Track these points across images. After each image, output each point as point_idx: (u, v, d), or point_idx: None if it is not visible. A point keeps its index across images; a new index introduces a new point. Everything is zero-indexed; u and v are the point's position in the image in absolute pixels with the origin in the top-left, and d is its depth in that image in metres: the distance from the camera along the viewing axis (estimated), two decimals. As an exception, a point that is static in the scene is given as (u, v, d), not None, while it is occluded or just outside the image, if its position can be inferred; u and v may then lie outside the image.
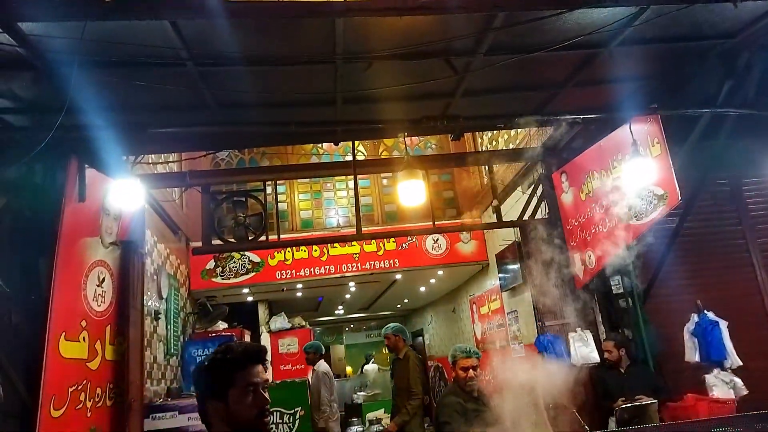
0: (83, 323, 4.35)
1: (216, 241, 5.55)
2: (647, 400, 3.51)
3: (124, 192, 4.43)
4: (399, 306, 14.16)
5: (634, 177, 4.44)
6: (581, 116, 4.43)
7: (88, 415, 4.34)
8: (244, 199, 5.66)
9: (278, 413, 5.59)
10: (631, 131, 4.31)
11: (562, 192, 5.76)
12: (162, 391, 5.96)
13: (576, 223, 5.59)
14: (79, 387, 4.24)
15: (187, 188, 5.97)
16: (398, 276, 9.28)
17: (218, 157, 9.17)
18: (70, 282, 4.27)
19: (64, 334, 4.09)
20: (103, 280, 4.70)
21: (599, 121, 4.69)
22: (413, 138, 7.81)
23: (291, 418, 5.61)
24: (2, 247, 4.20)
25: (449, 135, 5.72)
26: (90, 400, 4.36)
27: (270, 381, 7.60)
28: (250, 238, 5.59)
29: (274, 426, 5.50)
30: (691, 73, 4.34)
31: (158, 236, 6.40)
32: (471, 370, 3.97)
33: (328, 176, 8.72)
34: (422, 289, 11.11)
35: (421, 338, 14.80)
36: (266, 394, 1.67)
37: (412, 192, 4.57)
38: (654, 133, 4.36)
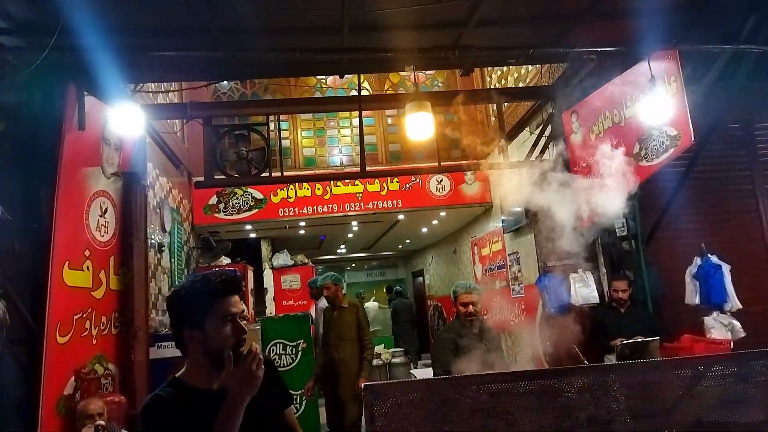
0: (86, 252, 4.35)
1: (219, 176, 5.49)
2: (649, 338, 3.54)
3: (125, 120, 4.32)
4: (400, 247, 14.24)
5: (647, 116, 4.32)
6: (598, 49, 4.25)
7: (94, 342, 4.41)
8: (246, 133, 5.56)
9: (281, 345, 5.68)
10: (649, 66, 4.15)
11: (572, 132, 5.64)
12: (167, 323, 6.05)
13: (584, 164, 5.50)
14: (84, 315, 4.28)
15: (188, 120, 5.85)
16: (401, 216, 9.26)
17: (219, 91, 8.98)
18: (72, 211, 4.24)
19: (67, 262, 4.09)
20: (106, 210, 4.67)
21: (615, 57, 4.53)
22: (419, 75, 7.60)
23: (293, 349, 5.70)
24: (2, 175, 4.16)
25: (458, 71, 5.53)
26: (95, 328, 4.42)
27: (273, 314, 7.70)
28: (252, 173, 5.53)
29: (276, 357, 5.61)
30: (714, 6, 4.14)
31: (160, 169, 6.33)
32: (471, 306, 3.96)
33: (332, 111, 8.53)
34: (424, 230, 11.13)
35: (421, 278, 14.98)
36: (242, 324, 1.73)
37: (420, 125, 4.43)
38: (671, 70, 4.20)
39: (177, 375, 1.72)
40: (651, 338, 3.52)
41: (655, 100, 4.16)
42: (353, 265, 17.25)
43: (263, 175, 5.52)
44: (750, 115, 6.23)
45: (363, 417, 2.04)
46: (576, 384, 2.17)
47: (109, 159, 4.75)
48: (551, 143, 5.99)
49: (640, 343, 3.39)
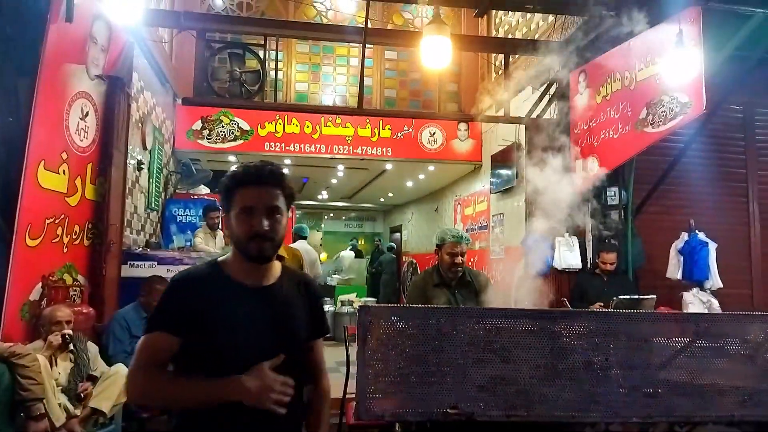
0: (64, 155, 4.11)
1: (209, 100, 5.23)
2: (645, 297, 3.52)
3: (116, 15, 4.02)
4: (382, 200, 14.11)
5: (662, 79, 4.19)
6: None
7: (65, 250, 4.21)
8: (241, 52, 5.28)
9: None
10: (679, 21, 3.99)
11: (577, 93, 5.50)
12: (141, 242, 5.86)
13: (585, 127, 5.39)
14: (57, 221, 4.08)
15: (180, 30, 5.52)
16: (389, 166, 9.09)
17: (213, 10, 8.53)
18: (52, 109, 3.98)
19: (43, 162, 3.86)
20: (87, 114, 4.41)
21: (633, 14, 4.35)
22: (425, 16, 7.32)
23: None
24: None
25: (472, 12, 5.28)
26: (67, 236, 4.23)
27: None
28: (245, 97, 5.28)
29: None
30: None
31: (145, 83, 6.01)
32: (459, 257, 3.59)
33: (334, 40, 8.13)
34: (409, 184, 10.99)
35: (398, 234, 14.94)
36: (264, 220, 1.58)
37: (437, 51, 4.09)
38: (693, 33, 4.06)
39: (219, 259, 1.70)
40: (647, 296, 3.50)
41: (675, 62, 4.02)
42: (332, 214, 17.10)
43: (256, 99, 5.27)
44: (752, 99, 6.19)
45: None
46: (576, 328, 2.10)
47: (95, 59, 4.46)
48: (553, 103, 5.84)
49: (635, 299, 3.37)
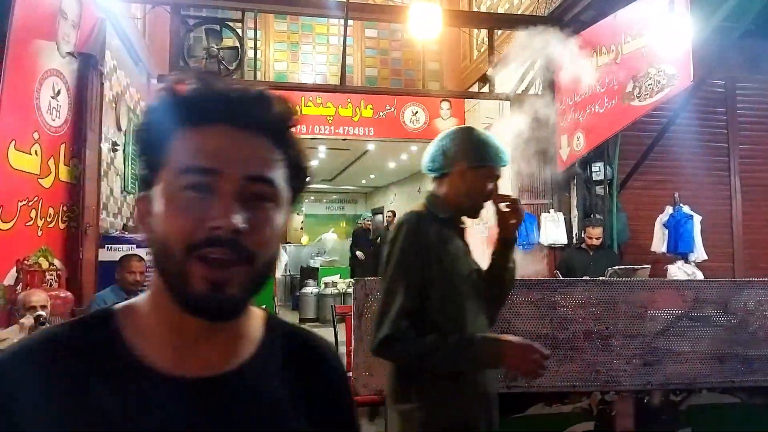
0: (35, 135, 3.94)
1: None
2: (640, 267, 3.52)
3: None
4: (364, 182, 14.00)
5: (649, 51, 4.15)
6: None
7: (39, 234, 4.06)
8: (218, 28, 5.11)
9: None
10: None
11: (562, 68, 5.45)
12: (118, 226, 5.70)
13: (571, 102, 5.35)
14: (30, 203, 3.92)
15: (154, 6, 5.31)
16: (371, 146, 8.99)
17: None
18: (22, 86, 3.80)
19: (14, 142, 3.69)
20: (59, 92, 4.22)
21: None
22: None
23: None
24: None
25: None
26: (42, 219, 4.07)
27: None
28: (223, 75, 5.12)
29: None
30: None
31: (118, 62, 5.80)
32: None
33: (315, 15, 7.91)
34: (392, 164, 10.91)
35: (381, 216, 14.88)
36: (236, 211, 0.71)
37: (426, 20, 3.97)
38: (680, 3, 4.02)
39: (116, 307, 0.74)
40: (642, 266, 3.50)
41: (662, 33, 3.98)
42: (312, 197, 16.95)
43: (234, 77, 5.12)
44: (734, 74, 6.22)
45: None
46: (576, 298, 2.07)
47: (65, 36, 4.26)
48: (538, 79, 5.79)
49: (630, 269, 3.37)
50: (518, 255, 4.90)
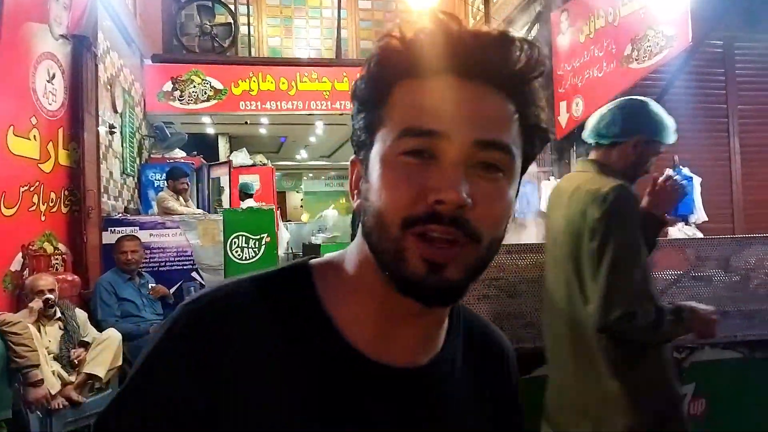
0: (33, 120, 3.93)
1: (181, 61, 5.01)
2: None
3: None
4: (361, 157, 13.92)
5: (648, 11, 4.12)
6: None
7: (43, 219, 4.07)
8: (210, 4, 5.05)
9: (243, 238, 5.43)
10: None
11: (559, 33, 5.41)
12: (119, 209, 5.71)
13: (569, 68, 5.32)
14: (32, 188, 3.93)
15: (146, -16, 5.24)
16: (368, 120, 8.93)
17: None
18: (17, 70, 3.78)
19: (12, 127, 3.68)
20: (54, 76, 4.19)
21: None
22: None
23: (256, 243, 5.49)
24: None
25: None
26: (44, 204, 4.08)
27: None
28: (217, 52, 5.08)
29: (239, 249, 5.40)
30: None
31: (111, 43, 5.74)
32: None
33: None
34: (389, 138, 10.87)
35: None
36: (459, 181, 0.56)
37: None
38: (678, -38, 3.97)
39: (316, 270, 0.67)
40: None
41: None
42: (311, 174, 16.92)
43: (228, 55, 5.08)
44: (732, 33, 6.16)
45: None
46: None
47: (58, 17, 4.22)
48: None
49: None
50: (518, 224, 4.89)
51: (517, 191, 0.59)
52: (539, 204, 5.59)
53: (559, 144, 5.69)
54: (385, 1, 8.75)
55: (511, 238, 5.68)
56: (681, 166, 5.22)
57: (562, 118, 5.48)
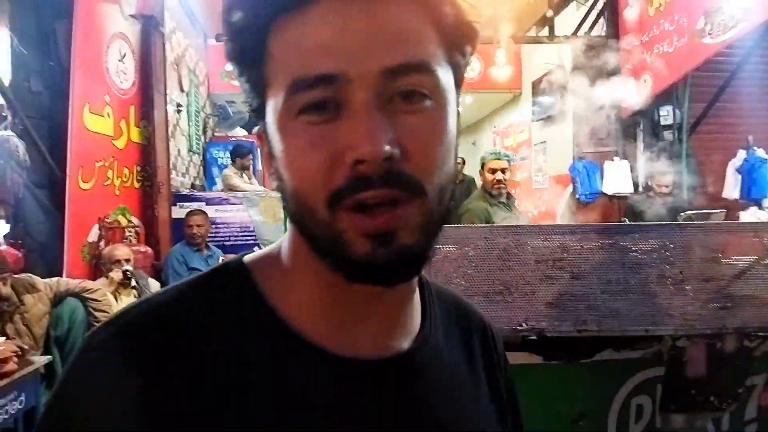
0: (107, 98, 4.12)
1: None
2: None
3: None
4: (416, 136, 13.88)
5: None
6: None
7: (117, 193, 4.30)
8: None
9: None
10: None
11: (627, 6, 5.18)
12: (186, 185, 5.94)
13: (637, 43, 5.10)
14: (107, 164, 4.14)
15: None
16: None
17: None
18: (91, 51, 3.96)
19: (87, 105, 3.88)
20: (125, 55, 4.37)
21: None
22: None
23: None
24: (15, 8, 3.83)
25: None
26: (118, 179, 4.30)
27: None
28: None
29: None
30: None
31: (177, 23, 5.92)
32: (499, 173, 3.64)
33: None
34: (445, 117, 10.75)
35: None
36: (377, 126, 0.43)
37: None
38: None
39: (253, 267, 0.56)
40: (717, 210, 3.39)
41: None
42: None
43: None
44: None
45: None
46: (649, 242, 2.04)
47: (128, -2, 4.39)
48: (601, 18, 5.52)
49: (704, 213, 3.27)
50: (581, 205, 4.80)
51: (458, 113, 0.48)
52: (601, 185, 5.45)
53: (625, 123, 5.49)
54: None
55: (572, 220, 5.57)
56: (755, 148, 4.96)
57: (629, 96, 5.27)
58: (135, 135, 4.52)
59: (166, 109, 4.86)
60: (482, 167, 3.79)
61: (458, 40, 0.47)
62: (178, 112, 5.77)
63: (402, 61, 0.42)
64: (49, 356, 2.78)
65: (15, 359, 2.34)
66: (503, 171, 3.67)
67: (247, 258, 0.53)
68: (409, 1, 0.43)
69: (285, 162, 0.45)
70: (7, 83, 3.67)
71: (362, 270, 0.44)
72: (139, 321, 0.47)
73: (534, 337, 1.96)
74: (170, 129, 5.30)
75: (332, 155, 0.42)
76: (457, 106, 0.48)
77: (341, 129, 0.42)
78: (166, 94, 4.91)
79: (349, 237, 0.43)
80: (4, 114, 3.72)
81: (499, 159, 3.70)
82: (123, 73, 4.34)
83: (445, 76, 0.45)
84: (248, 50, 0.46)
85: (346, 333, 0.50)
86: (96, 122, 3.97)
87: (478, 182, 4.49)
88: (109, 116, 4.13)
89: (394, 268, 0.44)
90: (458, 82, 0.49)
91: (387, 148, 0.41)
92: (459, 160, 7.98)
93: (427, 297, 0.58)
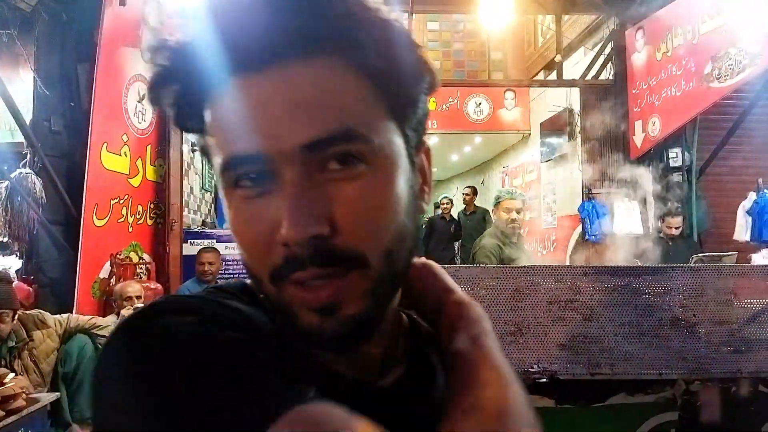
0: (124, 137, 4.22)
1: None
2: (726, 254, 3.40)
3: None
4: (425, 176, 13.99)
5: (730, 29, 3.97)
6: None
7: (130, 230, 4.35)
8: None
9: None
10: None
11: (635, 51, 5.28)
12: (198, 222, 6.00)
13: (645, 87, 5.18)
14: (121, 201, 4.21)
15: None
16: (434, 139, 8.98)
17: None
18: (111, 92, 4.08)
19: (105, 144, 3.97)
20: (143, 96, 4.48)
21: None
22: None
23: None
24: (40, 51, 3.99)
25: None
26: (132, 216, 4.36)
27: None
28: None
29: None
30: None
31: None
32: (514, 212, 3.64)
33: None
34: (455, 157, 10.87)
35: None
36: (298, 205, 0.42)
37: (497, 5, 3.81)
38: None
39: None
40: (728, 253, 3.38)
41: (743, 9, 3.80)
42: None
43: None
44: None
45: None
46: (662, 285, 2.03)
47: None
48: (608, 63, 5.63)
49: (716, 256, 3.26)
50: (589, 246, 4.79)
51: (413, 163, 0.48)
52: (611, 225, 5.44)
53: (632, 166, 5.52)
54: (453, 21, 8.82)
55: (581, 258, 5.54)
56: (766, 190, 4.95)
57: (637, 138, 5.34)
58: (150, 173, 4.60)
59: (181, 149, 4.96)
60: (496, 206, 3.79)
61: (403, 89, 0.45)
62: (193, 151, 5.88)
63: (323, 134, 0.40)
64: (57, 393, 2.77)
65: (24, 396, 2.34)
66: (518, 211, 3.68)
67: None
68: (334, 63, 0.41)
69: (232, 230, 0.45)
70: (28, 122, 3.79)
71: (315, 339, 0.43)
72: (166, 300, 0.48)
73: (545, 380, 1.94)
74: (185, 167, 5.40)
75: (270, 231, 0.41)
76: (420, 151, 0.50)
77: (273, 204, 0.41)
78: (182, 134, 5.02)
79: (295, 310, 0.43)
80: (25, 152, 3.82)
81: (514, 199, 3.68)
82: (141, 114, 4.45)
83: (385, 134, 0.43)
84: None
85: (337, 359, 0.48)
86: (113, 161, 4.06)
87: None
88: (126, 155, 4.23)
89: (345, 337, 0.43)
90: (419, 126, 0.48)
91: (312, 229, 0.40)
92: (446, 201, 7.89)
93: (413, 329, 0.57)
